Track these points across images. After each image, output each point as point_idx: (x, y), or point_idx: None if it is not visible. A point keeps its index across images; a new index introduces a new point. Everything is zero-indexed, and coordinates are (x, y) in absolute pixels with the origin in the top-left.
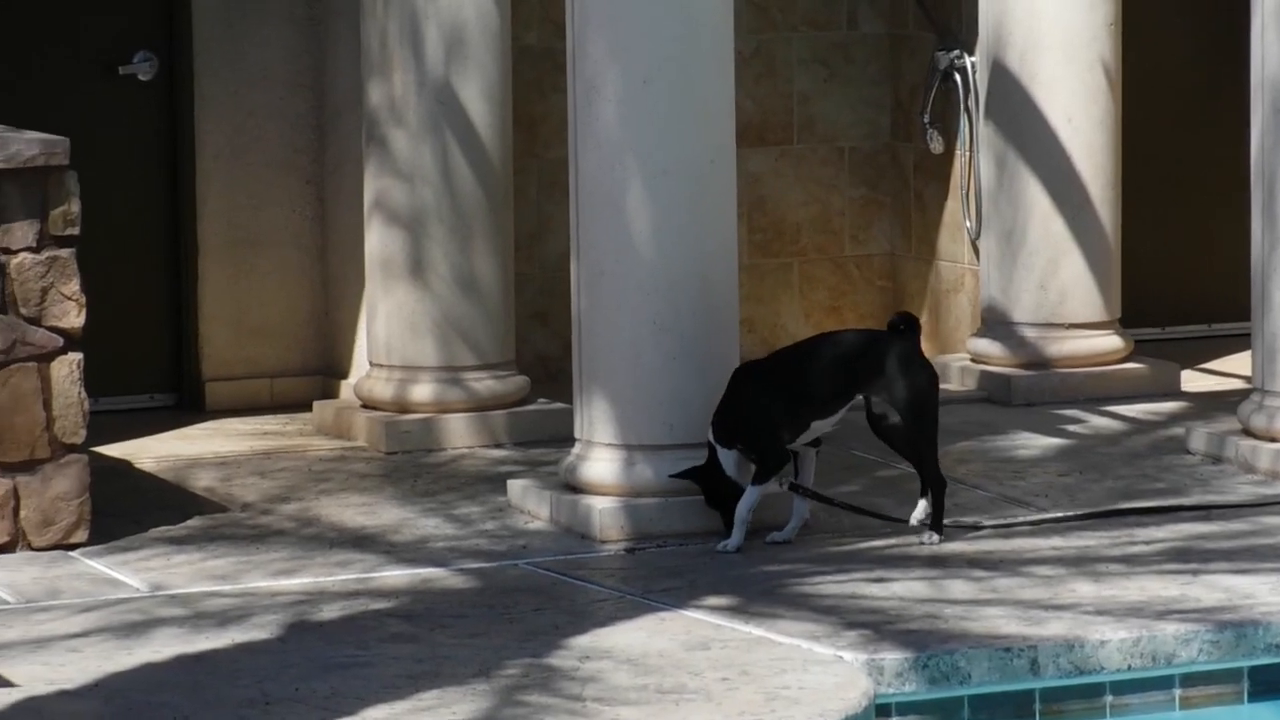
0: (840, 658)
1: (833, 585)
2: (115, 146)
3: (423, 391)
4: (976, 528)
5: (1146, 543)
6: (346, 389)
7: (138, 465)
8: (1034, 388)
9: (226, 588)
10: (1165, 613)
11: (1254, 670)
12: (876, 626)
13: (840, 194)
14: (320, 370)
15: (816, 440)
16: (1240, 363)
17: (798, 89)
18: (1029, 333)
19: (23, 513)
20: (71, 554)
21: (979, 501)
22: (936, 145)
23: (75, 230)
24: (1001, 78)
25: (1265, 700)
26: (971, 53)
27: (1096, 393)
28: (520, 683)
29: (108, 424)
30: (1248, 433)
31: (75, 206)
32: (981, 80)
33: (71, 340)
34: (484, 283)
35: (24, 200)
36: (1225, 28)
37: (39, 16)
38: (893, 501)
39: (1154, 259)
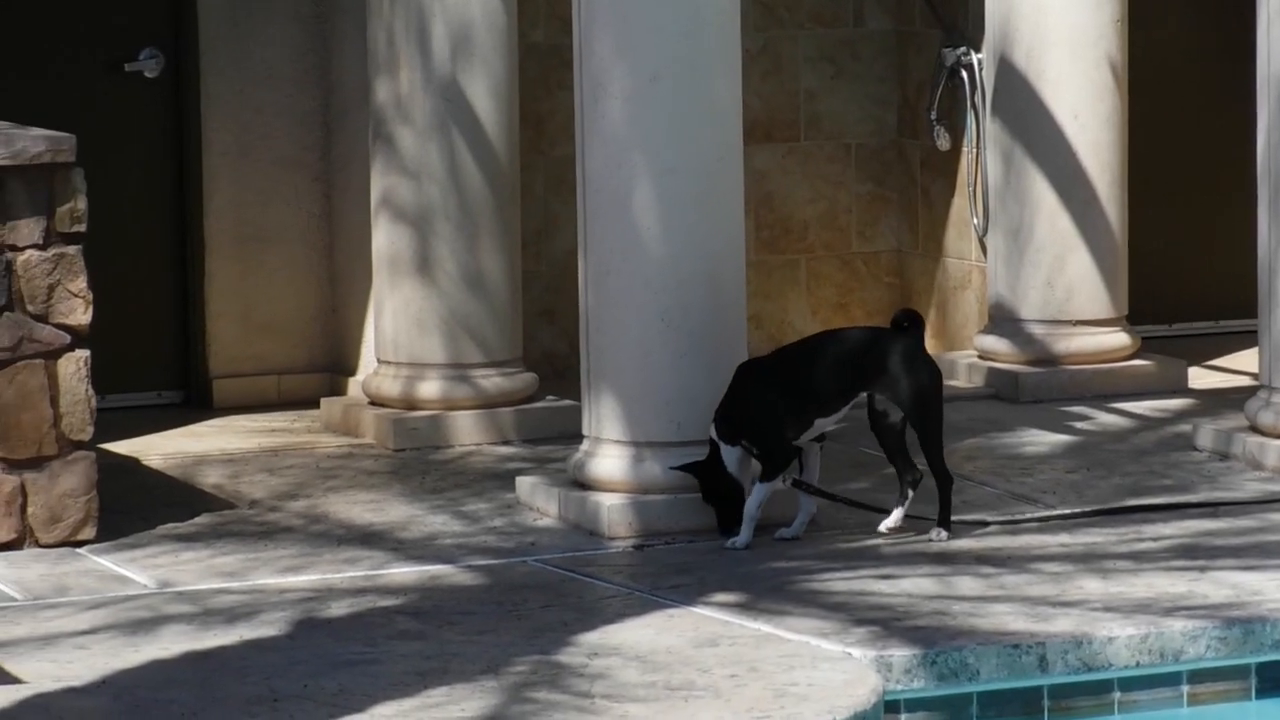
0: (849, 654)
1: (841, 582)
2: (121, 144)
3: (430, 389)
4: (983, 524)
5: (1154, 539)
6: (354, 386)
7: (145, 462)
8: (1041, 384)
9: (234, 585)
10: (1173, 609)
11: (1261, 667)
12: (885, 623)
13: (847, 191)
14: (328, 367)
15: (821, 436)
16: (1247, 359)
17: (804, 86)
18: (1036, 329)
19: (30, 509)
20: (79, 551)
21: (987, 498)
22: (943, 142)
23: (82, 227)
24: (1008, 74)
25: (1273, 697)
26: (978, 49)
27: (1104, 389)
28: (529, 680)
29: (115, 421)
30: (1255, 429)
31: (82, 204)
32: (988, 77)
33: (78, 337)
34: (491, 280)
35: (30, 197)
36: (1232, 24)
37: (45, 14)
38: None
39: (1161, 256)
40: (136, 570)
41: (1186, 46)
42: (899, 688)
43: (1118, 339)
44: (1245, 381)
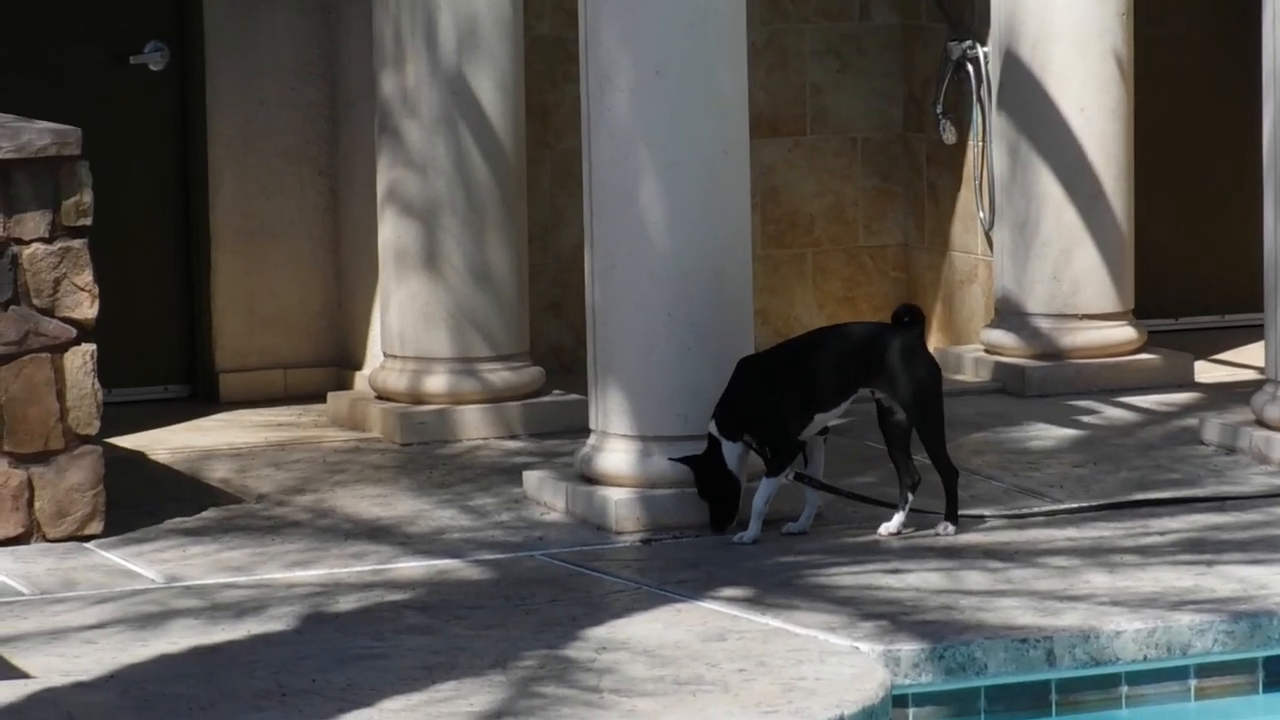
0: (857, 649)
1: (849, 576)
2: (127, 137)
3: (437, 383)
4: (980, 519)
5: (1161, 533)
6: (361, 380)
7: (152, 457)
8: (1048, 379)
9: (242, 579)
10: (1180, 603)
11: (1269, 660)
12: (893, 617)
13: (853, 185)
14: (334, 361)
15: (824, 429)
16: (1254, 353)
17: (810, 80)
18: (1043, 324)
19: (37, 504)
20: (86, 545)
21: (994, 492)
22: (949, 136)
23: (87, 221)
24: (1014, 68)
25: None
26: (984, 43)
27: (1110, 384)
28: (536, 674)
29: (122, 415)
30: (1261, 423)
31: (87, 197)
32: (994, 71)
33: (84, 331)
34: (498, 274)
35: (36, 190)
36: (1238, 17)
37: (50, 7)
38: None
39: (1167, 250)
40: (144, 565)
41: (1192, 40)
42: (907, 682)
43: (1124, 333)
44: (1252, 375)
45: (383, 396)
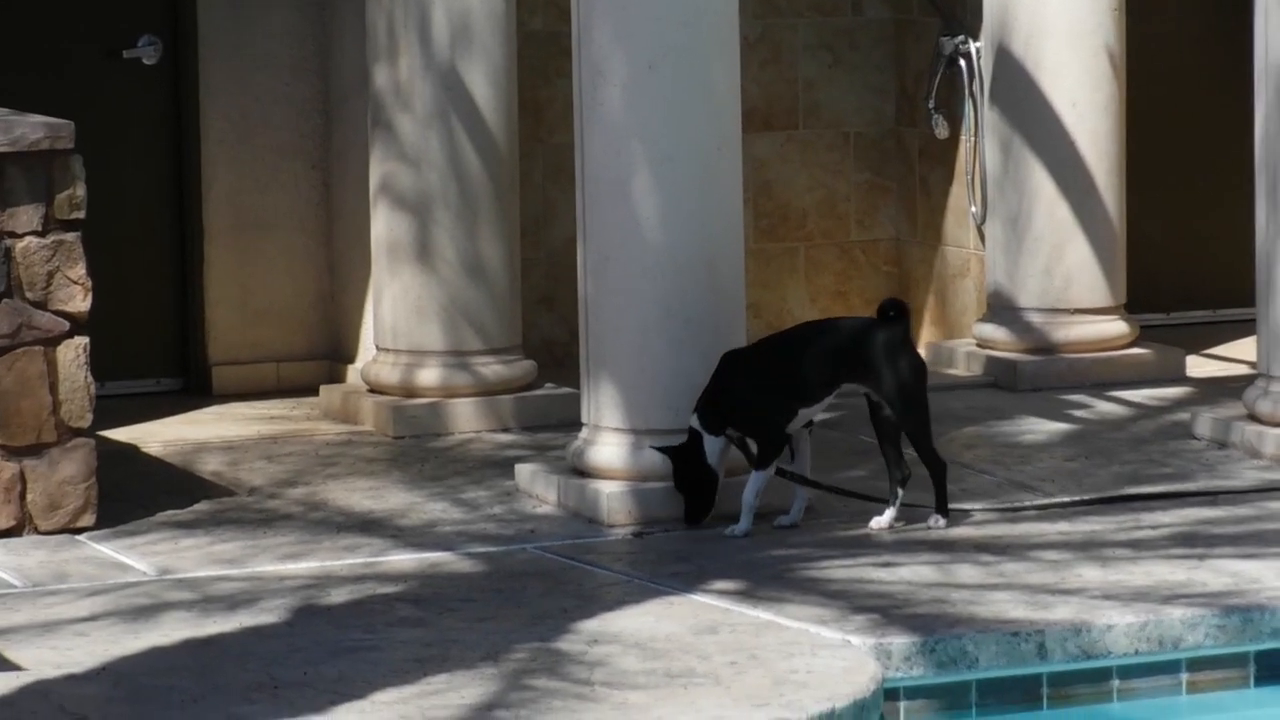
0: (848, 642)
1: (840, 570)
2: (120, 131)
3: (429, 376)
4: (965, 513)
5: (1153, 528)
6: (353, 373)
7: (145, 449)
8: (1040, 373)
9: (234, 572)
10: (1172, 597)
11: (1260, 655)
12: (884, 611)
13: (846, 179)
14: (327, 354)
15: (809, 423)
16: (1246, 348)
17: (803, 74)
18: (1035, 318)
19: (29, 496)
20: (78, 538)
21: (986, 486)
22: (942, 131)
23: (80, 214)
24: (1006, 63)
25: (1271, 685)
26: (976, 38)
27: (1102, 378)
28: (528, 666)
29: (114, 408)
30: (1253, 418)
31: (80, 190)
32: (986, 65)
33: (77, 324)
34: (490, 267)
35: (29, 184)
36: (1230, 13)
37: (44, 1)
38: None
39: (1159, 244)
40: (136, 557)
41: (1184, 35)
42: (898, 675)
43: (1116, 327)
44: (1243, 370)
45: (375, 390)
